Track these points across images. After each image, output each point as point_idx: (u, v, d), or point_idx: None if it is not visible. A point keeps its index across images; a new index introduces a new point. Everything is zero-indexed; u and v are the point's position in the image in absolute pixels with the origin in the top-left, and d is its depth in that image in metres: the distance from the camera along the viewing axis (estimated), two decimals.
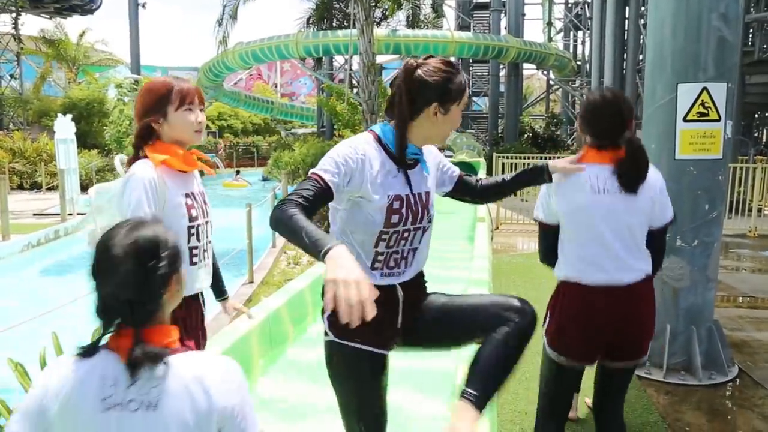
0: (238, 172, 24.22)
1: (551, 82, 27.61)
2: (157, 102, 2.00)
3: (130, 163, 2.05)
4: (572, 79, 25.75)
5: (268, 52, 19.89)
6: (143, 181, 1.92)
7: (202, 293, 2.16)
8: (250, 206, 7.31)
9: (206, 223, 2.11)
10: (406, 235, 1.74)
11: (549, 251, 2.32)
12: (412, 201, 1.73)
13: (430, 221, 1.81)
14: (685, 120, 3.60)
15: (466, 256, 6.17)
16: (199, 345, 2.10)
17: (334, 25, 20.38)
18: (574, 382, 2.46)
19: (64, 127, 13.48)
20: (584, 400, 3.22)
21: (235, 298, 6.31)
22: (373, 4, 15.35)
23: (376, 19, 19.45)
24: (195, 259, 2.03)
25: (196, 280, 2.06)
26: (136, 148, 2.05)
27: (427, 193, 1.81)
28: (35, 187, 19.21)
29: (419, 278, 1.89)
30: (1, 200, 9.76)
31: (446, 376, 3.13)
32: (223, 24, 13.83)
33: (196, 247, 2.03)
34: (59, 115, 14.04)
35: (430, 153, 1.90)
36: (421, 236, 1.80)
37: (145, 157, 2.00)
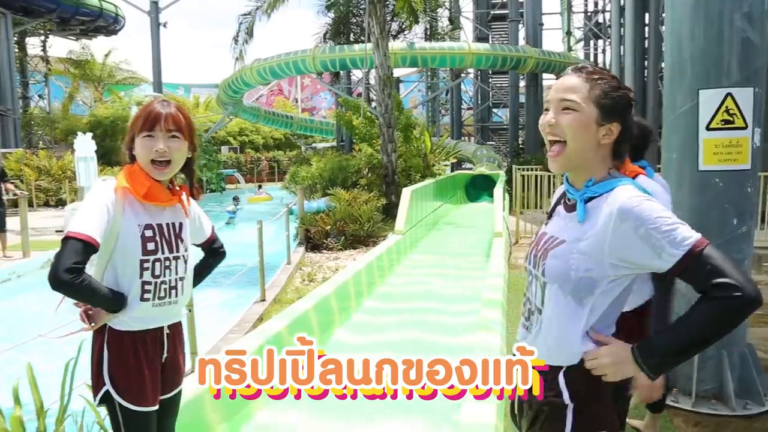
0: (260, 186, 24.48)
1: None
2: (132, 126, 1.91)
3: None
4: None
5: (285, 67, 19.96)
6: (98, 198, 1.82)
7: (166, 329, 1.97)
8: (261, 223, 7.19)
9: (175, 258, 1.94)
10: None
11: None
12: None
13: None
14: (708, 128, 3.36)
15: (482, 273, 5.95)
16: (157, 380, 1.94)
17: (351, 39, 20.40)
18: None
19: (85, 145, 13.63)
20: None
21: (247, 317, 6.24)
22: (389, 18, 15.29)
23: (393, 32, 19.41)
24: (147, 295, 1.88)
25: (148, 316, 1.90)
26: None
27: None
28: (60, 203, 19.48)
29: None
30: (21, 218, 9.83)
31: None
32: (240, 41, 13.89)
33: (149, 283, 1.88)
34: (79, 133, 14.22)
35: None
36: None
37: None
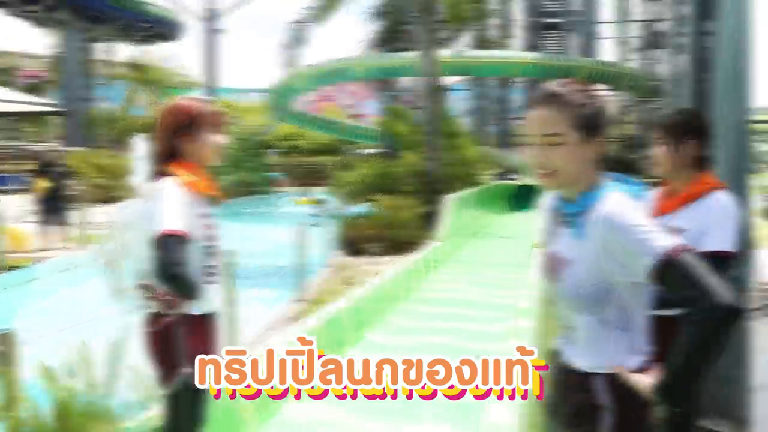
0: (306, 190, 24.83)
1: (625, 104, 26.58)
2: (191, 121, 2.02)
3: (152, 177, 2.06)
4: (650, 99, 24.63)
5: (333, 74, 20.24)
6: (175, 194, 1.93)
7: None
8: (302, 225, 7.34)
9: (216, 242, 2.13)
10: None
11: None
12: None
13: None
14: None
15: (520, 283, 5.90)
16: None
17: (400, 47, 20.51)
18: None
19: (140, 145, 14.18)
20: None
21: (283, 315, 6.36)
22: (438, 26, 15.30)
23: (442, 41, 19.39)
24: (210, 278, 2.06)
25: (212, 299, 2.09)
26: (159, 164, 2.04)
27: None
28: (115, 200, 20.26)
29: None
30: (80, 213, 10.39)
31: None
32: (289, 47, 14.17)
33: (211, 266, 2.06)
34: (135, 133, 14.80)
35: None
36: None
37: (167, 174, 1.99)
